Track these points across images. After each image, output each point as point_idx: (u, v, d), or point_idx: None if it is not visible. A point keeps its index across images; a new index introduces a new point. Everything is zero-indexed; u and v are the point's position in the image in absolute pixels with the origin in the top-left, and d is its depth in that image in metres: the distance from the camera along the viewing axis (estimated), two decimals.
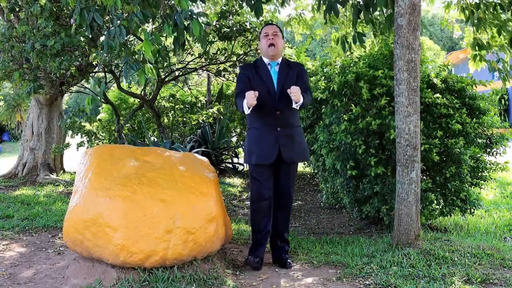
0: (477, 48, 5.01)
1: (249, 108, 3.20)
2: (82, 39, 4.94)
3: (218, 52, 6.76)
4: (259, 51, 3.56)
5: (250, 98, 3.14)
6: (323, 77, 4.75)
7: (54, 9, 4.83)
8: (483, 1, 4.76)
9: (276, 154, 3.30)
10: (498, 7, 4.70)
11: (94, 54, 5.16)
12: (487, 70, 5.06)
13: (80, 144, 6.90)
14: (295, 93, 3.18)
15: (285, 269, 3.30)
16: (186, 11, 3.40)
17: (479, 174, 4.38)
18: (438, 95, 4.13)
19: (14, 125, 23.80)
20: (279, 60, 3.44)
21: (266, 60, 3.44)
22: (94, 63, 5.64)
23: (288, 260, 3.37)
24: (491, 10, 4.74)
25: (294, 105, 3.23)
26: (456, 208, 4.27)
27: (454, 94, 4.33)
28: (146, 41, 3.22)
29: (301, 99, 3.21)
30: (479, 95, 4.40)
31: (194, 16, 3.41)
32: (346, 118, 4.13)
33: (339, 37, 5.07)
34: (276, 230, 3.48)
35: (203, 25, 3.55)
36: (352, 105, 4.15)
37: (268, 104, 3.31)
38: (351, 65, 4.62)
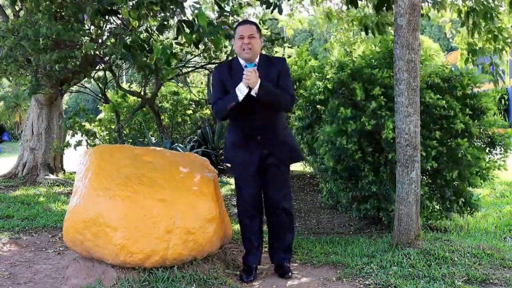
0: (471, 54, 5.01)
1: (246, 88, 2.95)
2: (81, 32, 4.90)
3: (219, 52, 6.73)
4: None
5: (251, 76, 2.92)
6: (321, 75, 4.72)
7: (52, 7, 4.82)
8: (478, 7, 4.72)
9: (257, 161, 3.11)
10: (489, 15, 4.65)
11: (87, 45, 5.02)
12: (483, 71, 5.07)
13: (78, 144, 6.89)
14: (249, 77, 2.94)
15: (284, 278, 3.11)
16: (205, 30, 3.48)
17: (479, 174, 4.37)
18: (438, 96, 4.11)
19: (13, 125, 23.81)
20: (257, 60, 3.13)
21: (242, 62, 3.14)
22: (96, 53, 5.57)
23: (288, 265, 3.20)
24: (486, 16, 4.71)
25: (252, 92, 2.98)
26: (455, 211, 4.26)
27: (455, 94, 4.31)
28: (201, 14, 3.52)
29: (257, 82, 2.95)
30: (483, 93, 4.37)
31: (216, 30, 3.53)
32: (342, 117, 4.07)
33: (364, 22, 5.15)
34: (275, 237, 3.31)
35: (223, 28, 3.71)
36: (342, 107, 4.04)
37: (245, 110, 3.06)
38: (349, 63, 4.58)
